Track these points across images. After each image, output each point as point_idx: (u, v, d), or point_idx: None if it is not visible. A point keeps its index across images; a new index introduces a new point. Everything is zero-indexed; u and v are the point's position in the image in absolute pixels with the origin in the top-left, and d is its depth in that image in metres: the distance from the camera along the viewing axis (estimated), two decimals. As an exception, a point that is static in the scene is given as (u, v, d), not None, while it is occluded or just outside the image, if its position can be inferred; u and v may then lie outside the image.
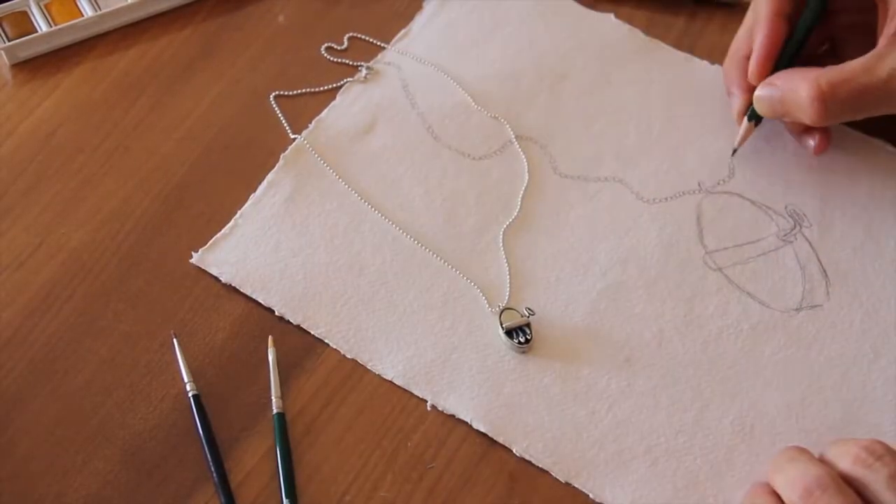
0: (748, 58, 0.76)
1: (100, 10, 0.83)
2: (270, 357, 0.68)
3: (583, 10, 0.86)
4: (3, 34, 0.82)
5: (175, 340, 0.68)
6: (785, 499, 0.60)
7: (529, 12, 0.85)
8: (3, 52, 0.81)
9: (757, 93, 0.74)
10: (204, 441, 0.65)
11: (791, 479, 0.60)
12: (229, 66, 0.83)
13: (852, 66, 0.69)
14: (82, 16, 0.83)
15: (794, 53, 0.75)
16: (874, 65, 0.69)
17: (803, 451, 0.63)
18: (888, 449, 0.60)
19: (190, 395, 0.66)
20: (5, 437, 0.65)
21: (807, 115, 0.71)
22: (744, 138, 0.77)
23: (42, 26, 0.82)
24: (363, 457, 0.65)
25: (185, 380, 0.67)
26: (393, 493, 0.64)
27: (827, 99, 0.69)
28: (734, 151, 0.77)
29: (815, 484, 0.59)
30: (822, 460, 0.62)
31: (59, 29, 0.82)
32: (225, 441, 0.65)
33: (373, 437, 0.66)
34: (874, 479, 0.58)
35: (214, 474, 0.64)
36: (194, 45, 0.84)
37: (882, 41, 0.70)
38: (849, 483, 0.59)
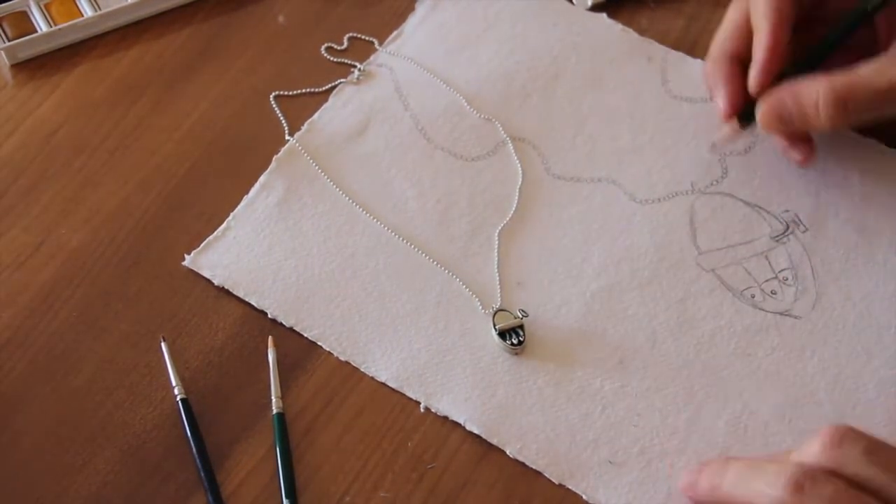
0: (735, 57, 0.75)
1: (100, 10, 0.83)
2: (270, 357, 0.68)
3: (575, 10, 0.85)
4: (3, 34, 0.82)
5: (164, 344, 0.68)
6: (766, 499, 0.57)
7: (522, 13, 0.85)
8: (3, 52, 0.81)
9: (764, 106, 0.73)
10: (194, 447, 0.65)
11: (771, 480, 0.57)
12: (229, 66, 0.83)
13: (866, 71, 0.70)
14: (82, 16, 0.83)
15: (815, 60, 0.73)
16: (887, 69, 0.70)
17: (749, 459, 0.62)
18: (848, 428, 0.57)
19: (178, 398, 0.66)
20: (6, 437, 0.66)
21: (821, 121, 0.71)
22: (728, 139, 0.76)
23: (42, 26, 0.82)
24: (363, 457, 0.66)
25: (173, 384, 0.67)
26: (393, 494, 0.64)
27: (845, 102, 0.70)
28: (712, 145, 0.77)
29: (802, 476, 0.56)
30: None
31: (59, 29, 0.82)
32: (225, 441, 0.66)
33: (373, 437, 0.66)
34: (850, 456, 0.56)
35: (205, 480, 0.64)
36: (194, 45, 0.84)
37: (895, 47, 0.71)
38: None
